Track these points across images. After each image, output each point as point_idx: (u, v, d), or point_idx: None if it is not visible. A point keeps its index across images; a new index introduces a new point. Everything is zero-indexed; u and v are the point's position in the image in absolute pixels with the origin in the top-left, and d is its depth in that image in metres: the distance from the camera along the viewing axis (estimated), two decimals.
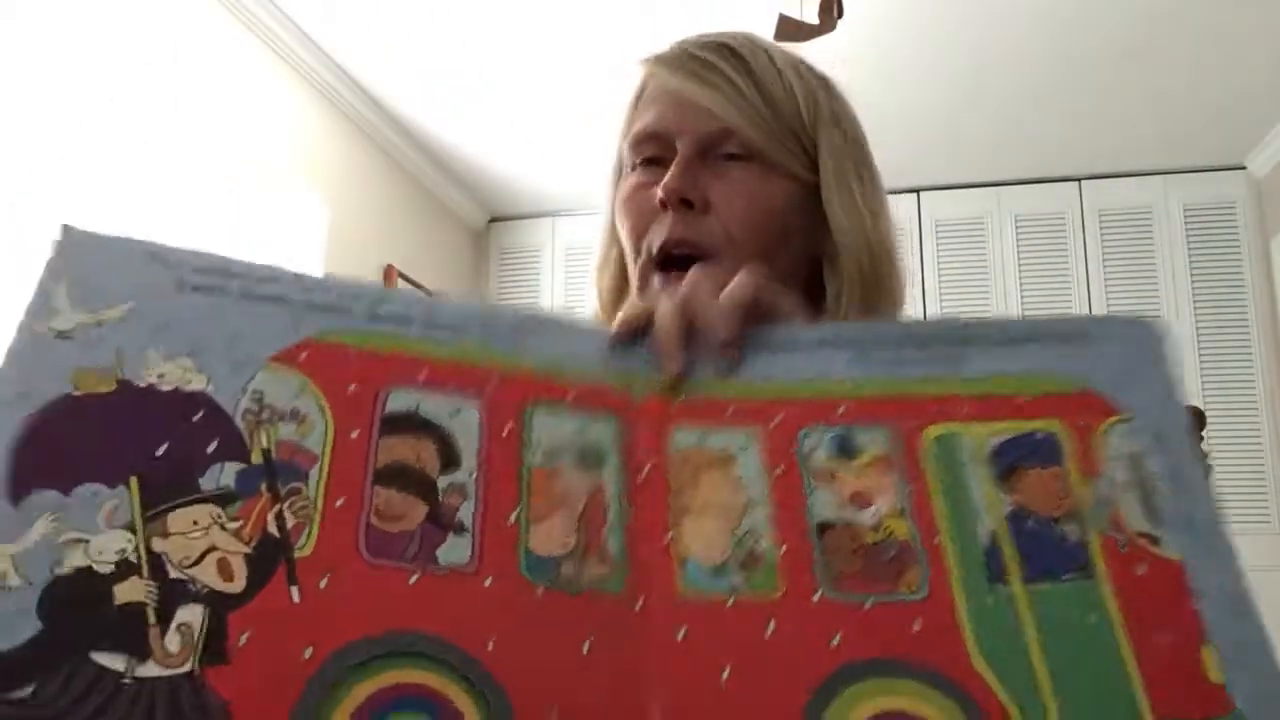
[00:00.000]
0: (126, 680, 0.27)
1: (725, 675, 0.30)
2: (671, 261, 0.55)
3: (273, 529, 0.30)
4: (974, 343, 0.37)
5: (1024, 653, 0.30)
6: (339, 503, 0.30)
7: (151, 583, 0.29)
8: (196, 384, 0.31)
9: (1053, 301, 3.08)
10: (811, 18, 2.03)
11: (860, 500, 0.33)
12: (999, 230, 3.10)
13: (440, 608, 0.30)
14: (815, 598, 0.31)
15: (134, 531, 0.29)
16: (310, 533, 0.30)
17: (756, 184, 0.56)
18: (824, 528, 0.33)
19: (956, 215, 3.14)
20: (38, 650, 0.27)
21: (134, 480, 0.30)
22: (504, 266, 3.57)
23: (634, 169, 0.59)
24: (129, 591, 0.28)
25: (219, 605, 0.29)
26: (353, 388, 0.33)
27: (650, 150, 0.58)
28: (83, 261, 0.33)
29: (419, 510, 0.31)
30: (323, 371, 0.33)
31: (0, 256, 1.63)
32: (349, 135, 2.79)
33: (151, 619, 0.28)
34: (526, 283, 3.51)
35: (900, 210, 3.25)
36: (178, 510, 0.30)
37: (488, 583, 0.30)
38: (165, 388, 0.31)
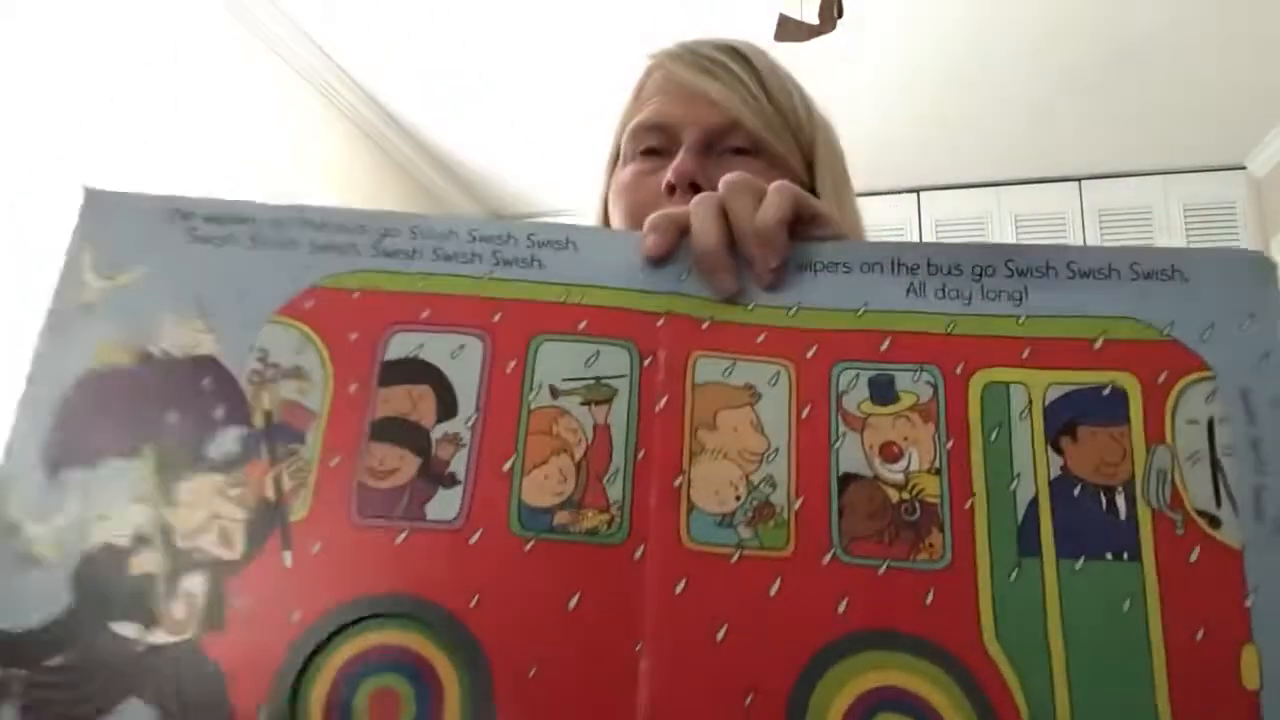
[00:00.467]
0: (139, 648, 0.29)
1: (721, 634, 0.29)
2: None
3: (270, 493, 0.31)
4: (1044, 273, 0.32)
5: (1042, 637, 0.28)
6: (334, 462, 0.31)
7: (161, 554, 0.30)
8: (206, 347, 0.32)
9: None
10: (812, 18, 2.02)
11: (890, 452, 0.30)
12: (999, 230, 3.10)
13: (425, 567, 0.30)
14: (826, 559, 0.29)
15: (148, 504, 0.31)
16: (305, 495, 0.31)
17: (762, 178, 0.56)
18: (846, 480, 0.30)
19: (956, 215, 3.14)
20: (69, 622, 0.29)
21: (149, 451, 0.31)
22: None
23: (633, 159, 0.59)
24: (143, 563, 0.30)
25: (219, 572, 0.30)
26: (354, 336, 0.33)
27: (652, 141, 0.58)
28: (103, 224, 0.34)
29: (411, 464, 0.31)
30: (326, 321, 0.33)
31: (0, 257, 1.63)
32: (349, 135, 2.79)
33: (161, 588, 0.30)
34: None
35: (900, 210, 3.27)
36: (186, 480, 0.31)
37: (474, 539, 0.30)
38: (177, 354, 0.32)
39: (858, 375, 0.31)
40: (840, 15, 2.05)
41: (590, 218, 0.64)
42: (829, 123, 0.64)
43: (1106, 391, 0.30)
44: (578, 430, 0.31)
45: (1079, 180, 3.06)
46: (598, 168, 0.64)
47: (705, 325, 0.32)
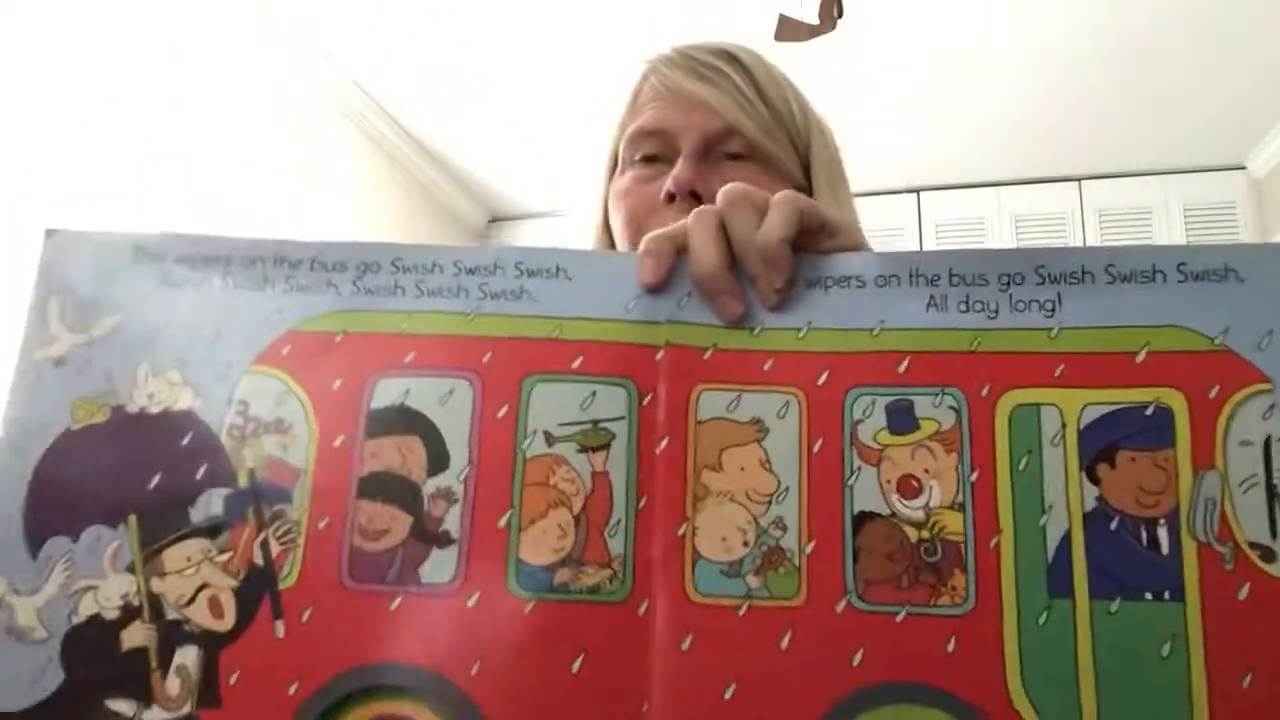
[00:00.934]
0: None
1: (730, 692, 0.27)
2: None
3: (258, 559, 0.30)
4: (1080, 279, 0.29)
5: (1074, 687, 0.25)
6: (322, 524, 0.30)
7: (152, 626, 0.29)
8: (184, 401, 0.31)
9: None
10: (811, 18, 2.02)
11: (909, 488, 0.28)
12: (999, 230, 3.09)
13: (422, 634, 0.28)
14: (840, 606, 0.27)
15: (134, 573, 0.30)
16: (294, 559, 0.30)
17: (759, 183, 0.56)
18: (862, 519, 0.28)
19: (956, 215, 3.13)
20: (61, 700, 0.28)
21: (133, 519, 0.30)
22: None
23: (631, 165, 0.59)
24: (133, 636, 0.29)
25: (211, 644, 0.29)
26: (337, 383, 0.31)
27: (649, 147, 0.58)
28: (70, 269, 0.32)
29: (403, 523, 0.30)
30: (307, 368, 0.31)
31: (0, 256, 1.63)
32: (348, 135, 2.79)
33: (154, 663, 0.29)
34: None
35: (900, 210, 3.26)
36: (172, 547, 0.30)
37: (471, 602, 0.29)
38: (155, 410, 0.31)
39: (874, 402, 0.29)
40: (840, 15, 2.05)
41: (589, 220, 0.64)
42: (825, 123, 0.64)
43: (1149, 411, 0.27)
44: (575, 480, 0.29)
45: (1079, 180, 3.06)
46: (596, 170, 0.64)
47: (708, 355, 0.30)
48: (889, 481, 0.28)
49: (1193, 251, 0.28)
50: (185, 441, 0.31)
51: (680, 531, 0.29)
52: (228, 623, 0.29)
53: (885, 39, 2.33)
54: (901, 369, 0.29)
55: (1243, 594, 0.26)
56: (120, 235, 0.33)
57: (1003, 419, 0.28)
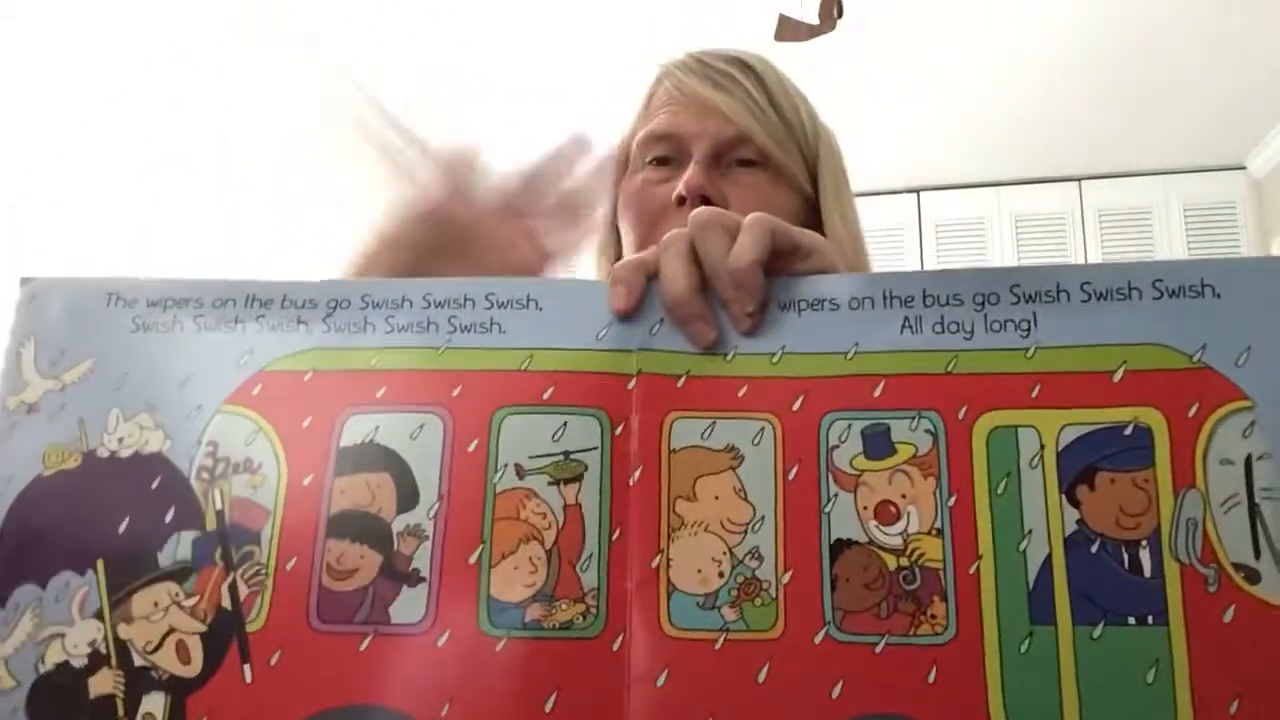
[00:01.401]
0: None
1: None
2: None
3: (226, 603, 0.29)
4: (1055, 297, 0.28)
5: (1057, 716, 0.25)
6: (290, 564, 0.30)
7: (120, 673, 0.29)
8: (154, 443, 0.31)
9: None
10: (811, 18, 2.02)
11: (887, 514, 0.28)
12: (999, 230, 3.09)
13: (391, 675, 0.28)
14: (818, 638, 0.27)
15: (102, 620, 0.29)
16: (263, 602, 0.29)
17: (769, 190, 0.57)
18: (839, 547, 0.28)
19: (956, 215, 3.13)
20: None
21: (100, 564, 0.30)
22: None
23: (642, 167, 0.60)
24: (100, 683, 0.29)
25: (179, 691, 0.29)
26: (307, 421, 0.31)
27: (661, 150, 0.59)
28: (44, 316, 0.33)
29: (373, 562, 0.29)
30: (276, 407, 0.31)
31: (0, 256, 1.62)
32: (348, 135, 2.79)
33: (120, 711, 0.29)
34: None
35: (900, 211, 3.26)
36: (140, 592, 0.30)
37: (441, 641, 0.28)
38: (125, 453, 0.31)
39: (849, 426, 0.28)
40: (840, 15, 2.05)
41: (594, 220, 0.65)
42: (832, 133, 0.65)
43: (1128, 431, 0.27)
44: (547, 514, 0.29)
45: (1079, 180, 3.06)
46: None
47: (681, 382, 0.30)
48: (866, 508, 0.28)
49: (1168, 267, 0.28)
50: (154, 485, 0.31)
51: (654, 564, 0.28)
52: (195, 668, 0.29)
53: (885, 39, 2.33)
54: (877, 393, 0.28)
55: (1228, 616, 0.25)
56: (93, 281, 0.33)
57: (980, 442, 0.28)
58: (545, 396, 0.30)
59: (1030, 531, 0.27)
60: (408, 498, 0.30)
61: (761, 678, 0.27)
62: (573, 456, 0.29)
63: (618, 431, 0.29)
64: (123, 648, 0.29)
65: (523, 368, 0.30)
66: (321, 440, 0.31)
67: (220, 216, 2.19)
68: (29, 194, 1.71)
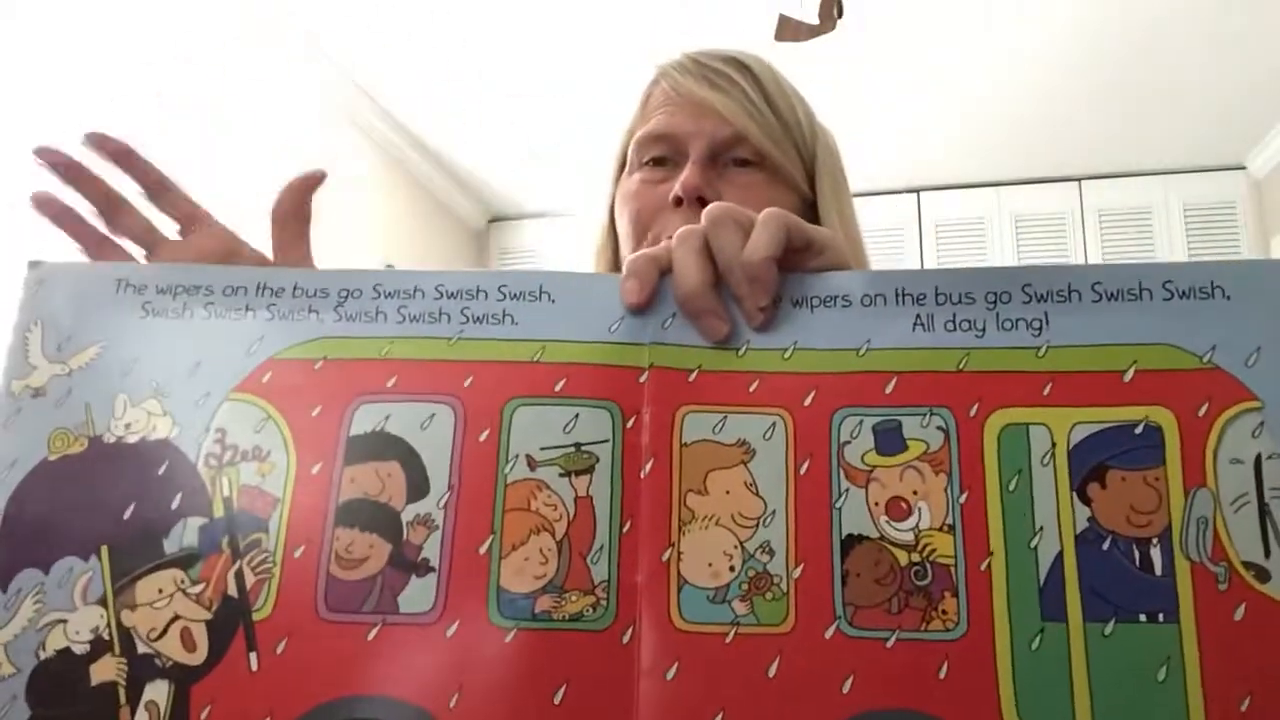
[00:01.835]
0: None
1: None
2: None
3: (232, 590, 0.29)
4: (1066, 297, 0.28)
5: (1068, 712, 0.25)
6: (298, 552, 0.29)
7: (122, 660, 0.29)
8: (161, 429, 0.31)
9: None
10: (811, 18, 2.02)
11: (898, 509, 0.28)
12: (999, 230, 3.09)
13: (400, 665, 0.28)
14: (829, 632, 0.27)
15: (105, 606, 0.29)
16: (270, 590, 0.29)
17: (766, 190, 0.57)
18: (850, 542, 0.28)
19: (956, 215, 3.13)
20: None
21: (105, 550, 0.29)
22: (504, 267, 3.56)
23: (639, 167, 0.60)
24: (102, 670, 0.28)
25: (182, 679, 0.28)
26: (317, 410, 0.30)
27: (658, 150, 0.59)
28: (52, 301, 0.32)
29: (382, 551, 0.29)
30: (286, 395, 0.31)
31: (0, 256, 1.63)
32: (348, 135, 2.79)
33: (122, 699, 0.28)
34: None
35: (900, 211, 3.26)
36: (144, 578, 0.29)
37: (450, 631, 0.28)
38: (132, 439, 0.31)
39: (861, 422, 0.28)
40: (840, 15, 2.05)
41: (591, 221, 0.65)
42: (830, 134, 0.65)
43: (1139, 429, 0.27)
44: (558, 505, 0.29)
45: (1079, 180, 3.06)
46: (598, 170, 0.65)
47: (693, 376, 0.30)
48: (877, 503, 0.28)
49: (1179, 269, 0.28)
50: (161, 471, 0.30)
51: (665, 557, 0.28)
52: (199, 656, 0.29)
53: (885, 39, 2.33)
54: (889, 389, 0.29)
55: (1239, 615, 0.25)
56: (103, 267, 0.33)
57: (991, 439, 0.28)
58: (557, 388, 0.30)
59: (1041, 528, 0.27)
60: (418, 487, 0.30)
61: (772, 672, 0.27)
62: (584, 448, 0.29)
63: (629, 424, 0.29)
64: (126, 635, 0.29)
65: (535, 359, 0.30)
66: (331, 429, 0.30)
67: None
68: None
